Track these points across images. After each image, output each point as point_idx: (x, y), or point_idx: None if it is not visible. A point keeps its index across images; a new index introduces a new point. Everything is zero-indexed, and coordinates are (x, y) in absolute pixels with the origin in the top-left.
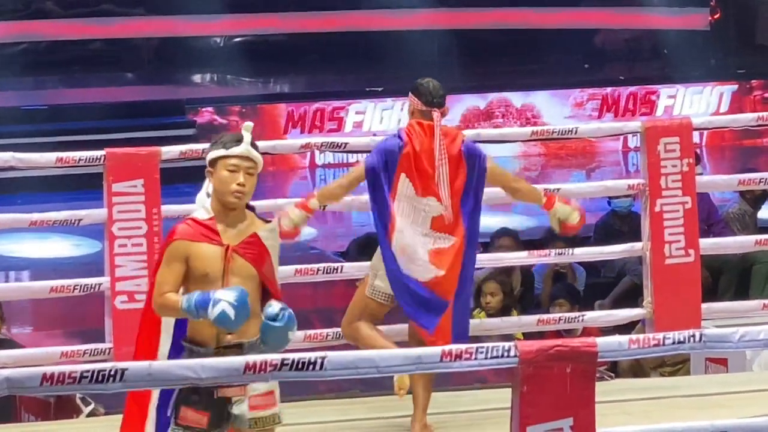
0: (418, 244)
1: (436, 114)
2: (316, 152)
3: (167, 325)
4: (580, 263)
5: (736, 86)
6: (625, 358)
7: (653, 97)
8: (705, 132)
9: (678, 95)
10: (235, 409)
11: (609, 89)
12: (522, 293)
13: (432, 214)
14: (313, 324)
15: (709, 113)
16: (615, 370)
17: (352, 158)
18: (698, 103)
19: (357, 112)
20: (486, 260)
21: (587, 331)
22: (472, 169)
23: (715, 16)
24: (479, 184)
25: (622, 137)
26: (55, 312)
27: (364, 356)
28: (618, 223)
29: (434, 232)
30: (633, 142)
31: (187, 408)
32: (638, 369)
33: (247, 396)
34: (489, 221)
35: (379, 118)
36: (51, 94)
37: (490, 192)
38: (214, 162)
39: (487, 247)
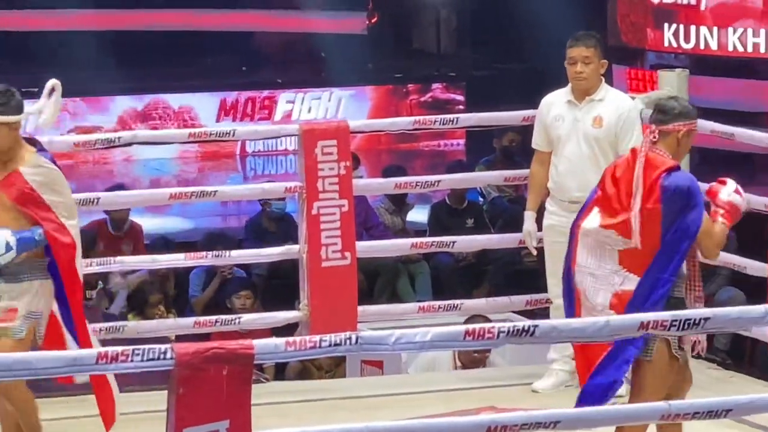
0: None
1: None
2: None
3: None
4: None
5: (353, 91)
6: (282, 360)
7: (270, 103)
8: (357, 136)
9: (296, 100)
10: None
11: (266, 92)
12: (176, 295)
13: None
14: None
15: (327, 118)
16: (283, 372)
17: None
18: (317, 109)
19: None
20: (142, 262)
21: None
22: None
23: (373, 20)
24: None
25: (240, 142)
26: None
27: (18, 358)
28: (268, 224)
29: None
30: (251, 146)
31: None
32: (305, 371)
33: None
34: (145, 223)
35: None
36: None
37: (146, 194)
38: None
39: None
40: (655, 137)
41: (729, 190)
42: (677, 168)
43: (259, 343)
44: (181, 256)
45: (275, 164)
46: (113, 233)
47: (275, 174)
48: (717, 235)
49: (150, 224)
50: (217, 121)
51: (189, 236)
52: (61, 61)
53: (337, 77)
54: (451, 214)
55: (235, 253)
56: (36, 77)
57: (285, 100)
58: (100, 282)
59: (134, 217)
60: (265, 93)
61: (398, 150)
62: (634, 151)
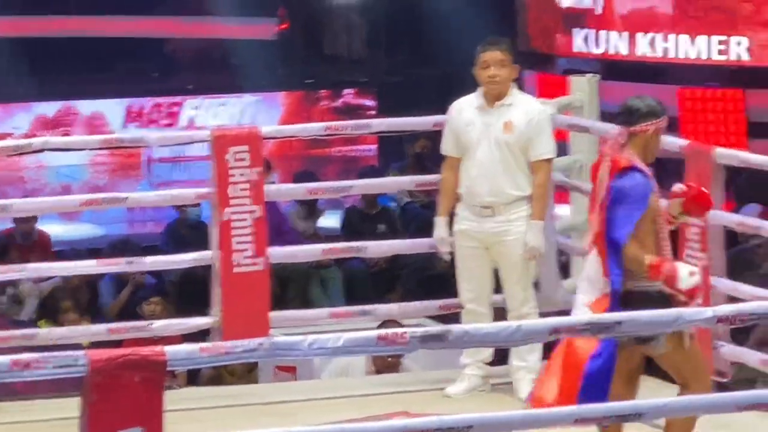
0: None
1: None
2: None
3: None
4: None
5: (262, 97)
6: (196, 366)
7: (177, 109)
8: (268, 142)
9: (202, 106)
10: None
11: (176, 98)
12: (89, 302)
13: None
14: None
15: (233, 124)
16: (195, 379)
17: None
18: (222, 115)
19: None
20: (54, 269)
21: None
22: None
23: (283, 27)
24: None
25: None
26: None
27: None
28: (186, 231)
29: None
30: (157, 153)
31: None
32: (217, 378)
33: None
34: (56, 229)
35: None
36: None
37: (57, 200)
38: None
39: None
40: (623, 139)
41: (688, 269)
42: (631, 169)
43: (171, 350)
44: (93, 262)
45: (181, 171)
46: (21, 243)
47: (182, 181)
48: (639, 257)
49: (61, 231)
50: (124, 127)
51: (100, 243)
52: None
53: (248, 83)
54: (363, 220)
55: (148, 259)
56: None
57: (191, 107)
58: (8, 288)
59: (45, 225)
60: (172, 99)
61: (310, 156)
62: (602, 153)
